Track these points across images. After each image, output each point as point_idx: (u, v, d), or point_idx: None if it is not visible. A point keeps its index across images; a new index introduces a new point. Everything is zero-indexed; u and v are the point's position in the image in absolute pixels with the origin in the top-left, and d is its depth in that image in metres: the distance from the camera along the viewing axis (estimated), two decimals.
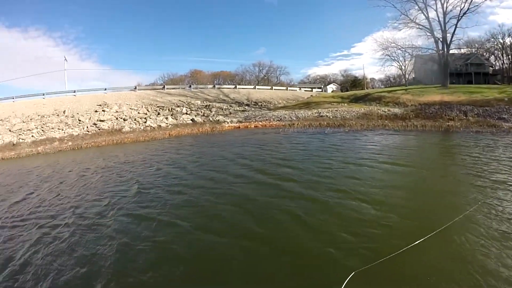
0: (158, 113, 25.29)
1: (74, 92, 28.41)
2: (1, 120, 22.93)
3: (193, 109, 26.94)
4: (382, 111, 19.92)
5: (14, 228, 5.75)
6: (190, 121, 24.55)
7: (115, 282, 3.54)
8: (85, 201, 7.04)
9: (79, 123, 23.40)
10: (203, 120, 25.04)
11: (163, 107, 26.50)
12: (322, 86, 52.08)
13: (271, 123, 21.33)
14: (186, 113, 25.86)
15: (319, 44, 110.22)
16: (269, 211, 5.22)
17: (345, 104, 25.02)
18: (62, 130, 22.34)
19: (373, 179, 6.63)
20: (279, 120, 21.63)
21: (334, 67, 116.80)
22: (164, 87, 34.22)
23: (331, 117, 20.08)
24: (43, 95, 27.62)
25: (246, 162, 9.46)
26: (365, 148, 10.52)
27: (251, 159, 9.83)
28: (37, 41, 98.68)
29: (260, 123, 21.84)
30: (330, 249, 3.82)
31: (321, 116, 20.85)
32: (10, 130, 21.70)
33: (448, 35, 27.23)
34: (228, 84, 44.34)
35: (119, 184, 8.27)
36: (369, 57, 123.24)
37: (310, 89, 44.67)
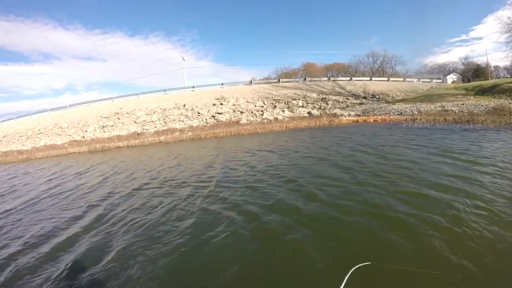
0: (274, 106, 23.96)
1: (193, 87, 29.82)
2: (127, 113, 25.54)
3: (309, 102, 24.62)
4: None
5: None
6: (307, 114, 22.43)
7: None
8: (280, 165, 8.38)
9: (198, 115, 24.25)
10: (320, 113, 22.58)
11: (279, 100, 25.09)
12: (442, 77, 43.20)
13: (391, 117, 19.22)
14: (302, 106, 23.74)
15: (434, 29, 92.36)
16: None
17: (471, 97, 21.26)
18: (183, 121, 23.45)
19: None
20: (399, 114, 19.46)
21: (452, 55, 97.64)
22: (279, 80, 33.26)
23: (456, 111, 17.53)
24: (165, 91, 29.65)
25: (416, 148, 9.18)
26: None
27: (423, 145, 9.39)
28: (157, 46, 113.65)
29: (380, 117, 19.71)
30: None
31: (446, 110, 18.15)
32: (135, 122, 23.76)
33: None
34: (342, 76, 41.09)
35: (302, 158, 9.19)
36: (490, 41, 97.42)
37: (429, 80, 37.49)
